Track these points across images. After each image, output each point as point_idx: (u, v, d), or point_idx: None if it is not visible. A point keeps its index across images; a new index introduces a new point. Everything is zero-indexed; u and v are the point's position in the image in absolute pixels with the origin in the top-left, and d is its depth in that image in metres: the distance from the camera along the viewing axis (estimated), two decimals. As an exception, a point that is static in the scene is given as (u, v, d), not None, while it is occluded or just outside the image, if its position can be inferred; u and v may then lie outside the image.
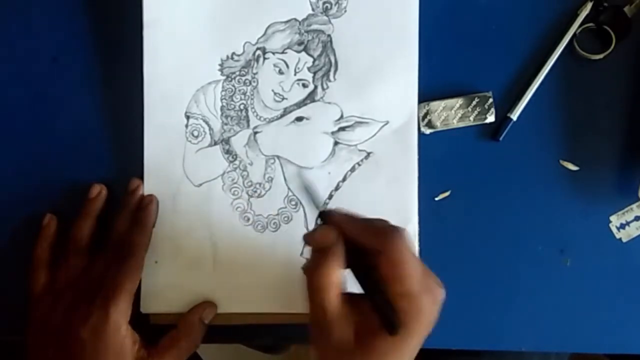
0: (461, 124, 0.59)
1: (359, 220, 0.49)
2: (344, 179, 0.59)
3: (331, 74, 0.59)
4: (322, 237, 0.48)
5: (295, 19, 0.59)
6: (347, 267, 0.47)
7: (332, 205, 0.59)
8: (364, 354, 0.46)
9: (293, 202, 0.59)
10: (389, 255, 0.45)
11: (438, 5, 0.59)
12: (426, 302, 0.46)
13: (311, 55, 0.59)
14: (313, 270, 0.46)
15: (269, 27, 0.59)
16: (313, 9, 0.59)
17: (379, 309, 0.46)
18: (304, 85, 0.59)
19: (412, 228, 0.59)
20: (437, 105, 0.59)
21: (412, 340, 0.46)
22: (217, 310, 0.59)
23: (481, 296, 0.60)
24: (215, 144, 0.59)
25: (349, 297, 0.47)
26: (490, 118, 0.59)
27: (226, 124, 0.59)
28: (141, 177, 0.59)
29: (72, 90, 0.61)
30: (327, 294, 0.46)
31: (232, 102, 0.59)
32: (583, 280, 0.59)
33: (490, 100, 0.59)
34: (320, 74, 0.59)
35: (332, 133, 0.59)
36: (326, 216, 0.49)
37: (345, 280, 0.47)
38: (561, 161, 0.60)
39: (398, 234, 0.46)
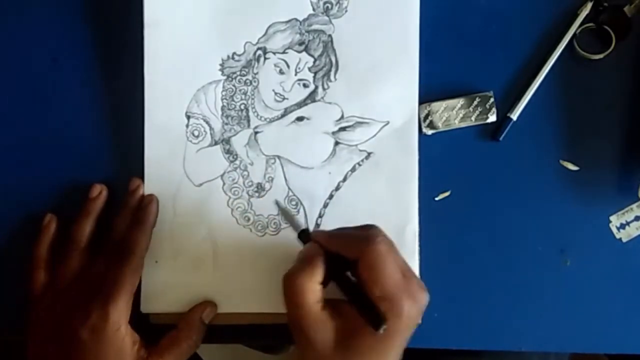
0: (463, 124, 0.59)
1: (337, 234, 0.53)
2: (344, 179, 0.59)
3: (332, 74, 0.59)
4: (307, 251, 0.52)
5: (296, 19, 0.59)
6: (332, 279, 0.50)
7: (333, 205, 0.59)
8: (346, 354, 0.48)
9: (293, 202, 0.59)
10: (366, 260, 0.48)
11: (438, 6, 0.60)
12: (407, 304, 0.47)
13: (312, 55, 0.59)
14: (294, 276, 0.49)
15: (269, 27, 0.59)
16: (314, 9, 0.59)
17: (362, 308, 0.48)
18: (305, 85, 0.59)
19: (412, 228, 0.59)
20: (439, 106, 0.59)
21: (393, 342, 0.48)
22: (217, 310, 0.59)
23: (481, 296, 0.60)
24: (216, 143, 0.59)
25: (330, 302, 0.50)
26: (492, 118, 0.59)
27: (227, 124, 0.59)
28: (141, 177, 0.59)
29: (72, 91, 0.61)
30: (306, 298, 0.48)
31: (233, 102, 0.59)
32: (583, 280, 0.59)
33: (492, 100, 0.59)
34: (320, 74, 0.59)
35: (333, 133, 0.59)
36: (306, 235, 0.53)
37: (324, 291, 0.50)
38: (561, 161, 0.60)
39: (374, 239, 0.49)
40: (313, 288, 0.49)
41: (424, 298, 0.49)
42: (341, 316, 0.49)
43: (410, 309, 0.48)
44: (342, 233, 0.53)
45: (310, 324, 0.49)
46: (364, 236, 0.49)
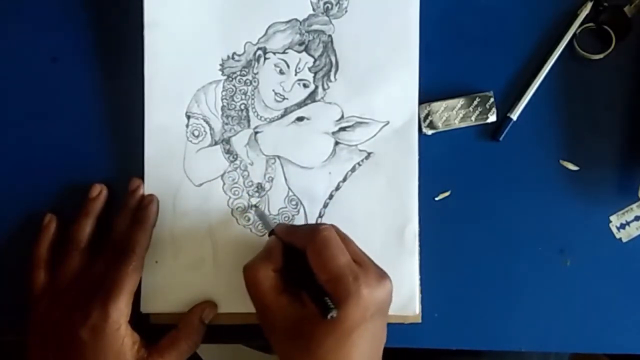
0: (463, 124, 0.59)
1: (293, 227, 0.57)
2: (344, 179, 0.59)
3: (332, 74, 0.59)
4: (267, 243, 0.55)
5: (296, 19, 0.59)
6: (290, 269, 0.52)
7: (333, 205, 0.59)
8: (303, 340, 0.49)
9: (293, 202, 0.59)
10: (312, 246, 0.50)
11: (438, 6, 0.60)
12: (354, 285, 0.48)
13: (312, 56, 0.59)
14: (250, 265, 0.52)
15: (269, 27, 0.59)
16: (314, 9, 0.59)
17: (313, 296, 0.49)
18: (305, 86, 0.59)
19: (412, 228, 0.59)
20: (439, 106, 0.59)
21: (347, 324, 0.48)
22: (217, 310, 0.59)
23: (481, 296, 0.60)
24: (216, 143, 0.59)
25: (291, 292, 0.51)
26: (492, 118, 0.59)
27: (227, 124, 0.59)
28: (142, 177, 0.59)
29: (72, 90, 0.61)
30: (260, 285, 0.51)
31: (233, 102, 0.59)
32: (583, 280, 0.59)
33: (492, 100, 0.59)
34: (321, 74, 0.59)
35: (333, 133, 0.59)
36: (272, 232, 0.56)
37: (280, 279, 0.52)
38: (561, 161, 0.60)
39: (319, 227, 0.51)
40: (267, 275, 0.51)
41: (381, 285, 0.50)
42: (303, 305, 0.50)
43: (362, 293, 0.48)
44: (297, 225, 0.58)
45: (266, 309, 0.51)
46: (311, 227, 0.52)
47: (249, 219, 0.59)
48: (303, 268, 0.50)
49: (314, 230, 0.51)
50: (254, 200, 0.59)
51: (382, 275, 0.50)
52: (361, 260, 0.51)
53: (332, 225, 0.52)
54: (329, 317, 0.47)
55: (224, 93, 0.59)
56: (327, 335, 0.48)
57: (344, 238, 0.52)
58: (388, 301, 0.51)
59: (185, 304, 0.58)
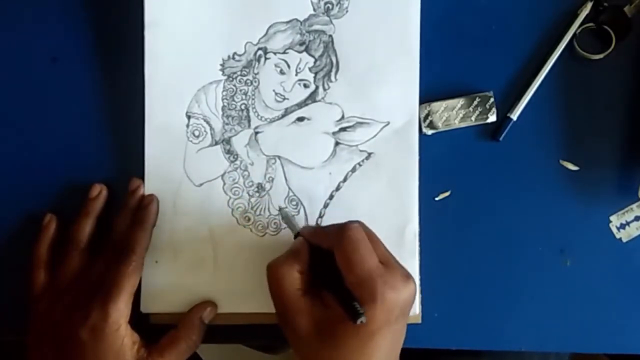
0: (463, 124, 0.59)
1: (319, 227, 0.57)
2: (344, 179, 0.59)
3: (332, 74, 0.59)
4: (292, 244, 0.54)
5: (297, 19, 0.59)
6: (317, 270, 0.52)
7: (333, 205, 0.59)
8: (326, 341, 0.49)
9: (294, 202, 0.59)
10: (340, 247, 0.50)
11: (439, 6, 0.60)
12: (381, 288, 0.48)
13: (312, 56, 0.59)
14: (274, 264, 0.52)
15: (270, 27, 0.59)
16: (314, 9, 0.59)
17: (340, 299, 0.48)
18: (305, 86, 0.59)
19: (412, 228, 0.59)
20: (439, 106, 0.59)
21: (371, 326, 0.48)
22: (217, 310, 0.59)
23: (481, 296, 0.60)
24: (216, 143, 0.59)
25: (313, 293, 0.51)
26: (492, 118, 0.59)
27: (227, 124, 0.59)
28: (142, 177, 0.59)
29: (72, 91, 0.61)
30: (284, 285, 0.51)
31: (233, 102, 0.59)
32: (583, 280, 0.59)
33: (492, 100, 0.59)
34: (321, 74, 0.59)
35: (333, 133, 0.59)
36: (299, 233, 0.55)
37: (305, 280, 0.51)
38: (561, 161, 0.60)
39: (348, 227, 0.50)
40: (292, 276, 0.51)
41: (406, 287, 0.49)
42: (326, 306, 0.50)
43: (389, 296, 0.48)
44: (324, 226, 0.56)
45: (288, 309, 0.51)
46: (340, 227, 0.51)
47: (249, 219, 0.59)
48: (329, 269, 0.50)
49: (342, 230, 0.50)
50: (281, 204, 0.59)
51: (407, 276, 0.50)
52: (387, 261, 0.50)
53: (360, 223, 0.51)
54: (358, 322, 0.46)
55: (224, 93, 0.59)
56: (351, 337, 0.48)
57: (371, 236, 0.52)
58: (411, 302, 0.51)
59: (185, 304, 0.58)
